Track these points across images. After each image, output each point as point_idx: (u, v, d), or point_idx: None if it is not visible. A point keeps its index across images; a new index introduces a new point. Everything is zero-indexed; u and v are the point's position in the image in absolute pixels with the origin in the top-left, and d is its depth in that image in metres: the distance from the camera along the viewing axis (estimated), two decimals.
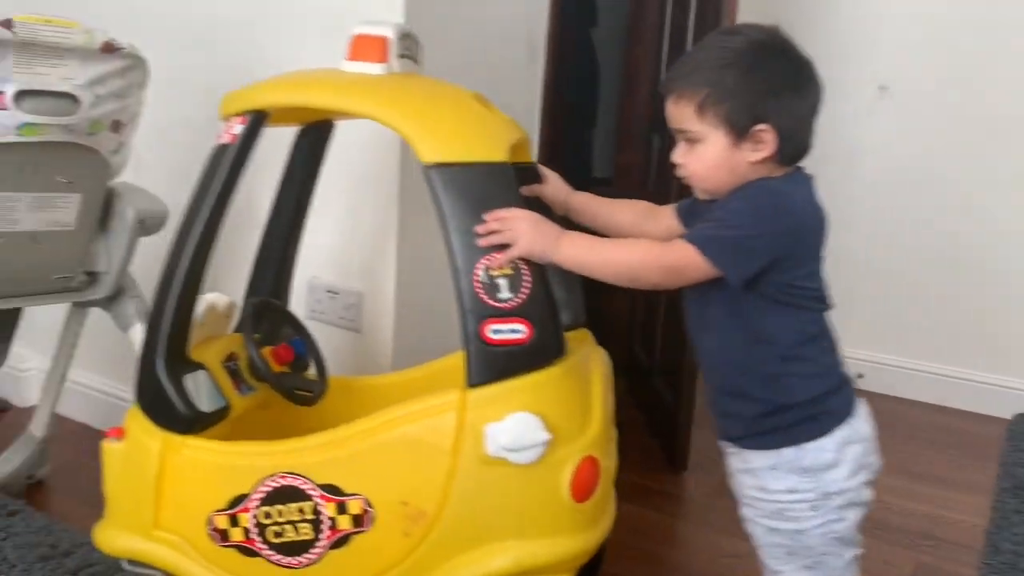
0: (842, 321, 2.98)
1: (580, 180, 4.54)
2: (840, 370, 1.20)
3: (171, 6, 1.91)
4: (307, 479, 1.15)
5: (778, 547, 1.19)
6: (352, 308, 1.72)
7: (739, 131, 1.09)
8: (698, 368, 2.14)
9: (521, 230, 1.09)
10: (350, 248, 1.70)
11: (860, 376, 2.78)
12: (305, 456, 1.16)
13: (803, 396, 1.13)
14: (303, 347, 1.45)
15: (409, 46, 1.26)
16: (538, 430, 1.08)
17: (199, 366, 1.27)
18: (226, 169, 1.21)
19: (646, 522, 1.92)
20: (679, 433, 2.14)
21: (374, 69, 1.21)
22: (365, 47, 1.22)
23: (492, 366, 1.09)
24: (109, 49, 1.43)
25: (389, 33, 1.22)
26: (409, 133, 1.13)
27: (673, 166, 1.16)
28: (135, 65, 1.49)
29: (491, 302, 1.08)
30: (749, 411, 1.16)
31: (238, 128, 1.22)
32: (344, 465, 1.15)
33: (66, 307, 1.75)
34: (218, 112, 1.27)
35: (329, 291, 1.73)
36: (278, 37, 1.77)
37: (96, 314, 1.74)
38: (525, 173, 1.28)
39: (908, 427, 2.55)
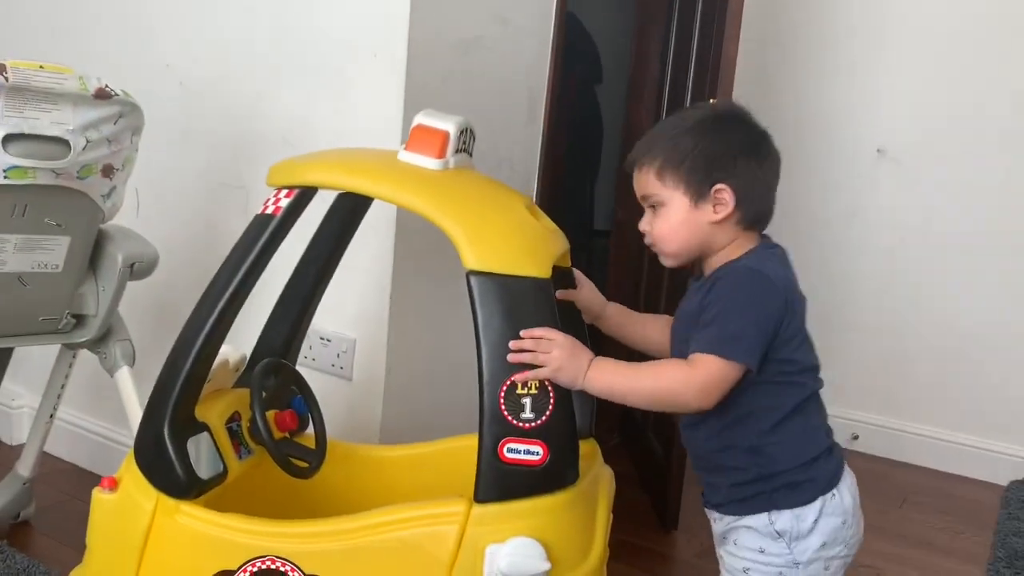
0: (837, 382, 2.96)
1: (581, 232, 4.59)
2: (826, 437, 1.19)
3: (177, 55, 1.95)
4: (296, 566, 1.12)
5: None
6: (344, 355, 1.72)
7: (698, 191, 1.14)
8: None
9: (554, 354, 1.08)
10: (344, 295, 1.71)
11: (855, 437, 2.78)
12: (297, 543, 1.14)
13: (786, 465, 1.13)
14: (304, 408, 1.43)
15: (466, 140, 1.26)
16: (539, 559, 1.06)
17: (203, 427, 1.25)
18: (264, 240, 1.19)
19: None
20: (670, 491, 2.13)
21: (431, 164, 1.20)
22: (425, 139, 1.20)
23: (502, 485, 1.07)
24: (102, 95, 1.45)
25: (450, 128, 1.20)
26: (456, 236, 1.11)
27: (642, 235, 1.21)
28: (129, 111, 1.50)
29: (512, 420, 1.07)
30: (730, 480, 1.17)
31: (284, 202, 1.20)
32: (336, 559, 1.12)
33: (57, 346, 1.76)
34: (266, 180, 1.26)
35: (322, 338, 1.74)
36: (281, 84, 1.80)
37: (88, 354, 1.74)
38: (561, 277, 1.29)
39: (901, 490, 2.53)
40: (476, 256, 1.10)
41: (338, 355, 1.73)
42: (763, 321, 1.10)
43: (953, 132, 2.62)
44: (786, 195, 3.01)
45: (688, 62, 2.32)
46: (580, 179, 4.25)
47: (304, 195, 1.21)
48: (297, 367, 1.50)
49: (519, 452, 1.07)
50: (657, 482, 2.23)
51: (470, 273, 1.09)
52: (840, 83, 2.77)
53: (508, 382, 1.07)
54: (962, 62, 2.61)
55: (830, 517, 1.14)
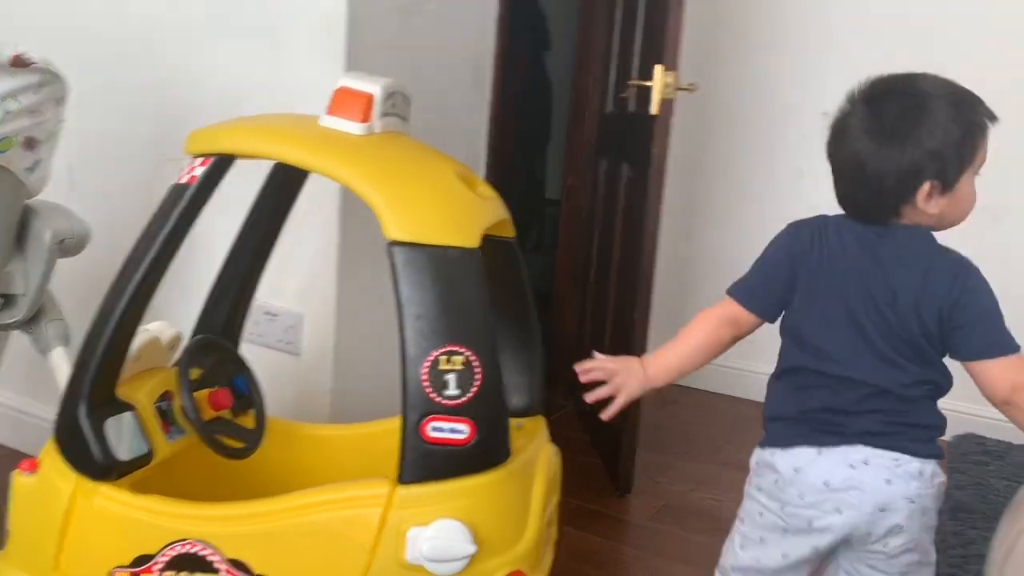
0: (775, 340, 2.99)
1: (534, 201, 4.55)
2: (795, 409, 1.21)
3: (107, 21, 1.87)
4: (216, 550, 1.09)
5: None
6: (291, 330, 1.69)
7: None
8: None
9: (622, 380, 1.22)
10: (289, 267, 1.67)
11: None
12: (218, 525, 1.11)
13: (767, 411, 1.29)
14: (246, 388, 1.39)
15: (396, 103, 1.20)
16: (464, 542, 1.03)
17: (127, 407, 1.21)
18: (180, 211, 1.15)
19: (589, 547, 1.91)
20: (622, 455, 2.14)
21: (354, 128, 1.15)
22: (348, 102, 1.15)
23: (426, 465, 1.05)
24: (20, 64, 1.38)
25: (375, 90, 1.15)
26: (376, 203, 1.07)
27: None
28: (50, 80, 1.43)
29: (436, 398, 1.04)
30: None
31: (199, 170, 1.16)
32: (257, 542, 1.09)
33: None
34: (184, 147, 1.22)
35: (267, 313, 1.70)
36: (218, 51, 1.74)
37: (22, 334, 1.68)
38: (503, 248, 1.27)
39: None
40: (398, 225, 1.06)
41: (285, 330, 1.70)
42: (763, 265, 1.27)
43: None
44: (737, 157, 3.02)
45: (634, 30, 2.31)
46: (531, 148, 4.23)
47: (220, 163, 1.17)
48: (243, 343, 1.47)
49: (443, 431, 1.04)
50: (610, 447, 2.25)
51: (391, 244, 1.06)
52: (788, 50, 2.77)
53: (431, 358, 1.04)
54: (909, 32, 2.63)
55: (763, 468, 1.23)
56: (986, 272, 1.17)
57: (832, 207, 2.75)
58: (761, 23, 2.80)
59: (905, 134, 1.10)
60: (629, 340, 2.14)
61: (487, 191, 1.25)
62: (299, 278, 1.69)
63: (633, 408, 2.13)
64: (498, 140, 2.14)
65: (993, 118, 1.13)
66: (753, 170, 2.86)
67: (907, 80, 1.15)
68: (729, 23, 2.85)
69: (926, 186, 1.11)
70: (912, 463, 1.15)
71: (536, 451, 1.25)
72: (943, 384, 1.19)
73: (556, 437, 2.53)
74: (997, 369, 1.11)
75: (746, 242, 2.86)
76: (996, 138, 1.15)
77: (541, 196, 4.34)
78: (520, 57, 4.04)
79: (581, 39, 2.75)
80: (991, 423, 2.57)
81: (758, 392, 2.76)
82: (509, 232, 1.30)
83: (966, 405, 2.60)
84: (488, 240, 1.24)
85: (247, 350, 1.51)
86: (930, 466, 1.18)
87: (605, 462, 2.29)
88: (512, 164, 4.12)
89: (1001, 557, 0.86)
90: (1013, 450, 2.46)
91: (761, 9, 2.80)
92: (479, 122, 2.06)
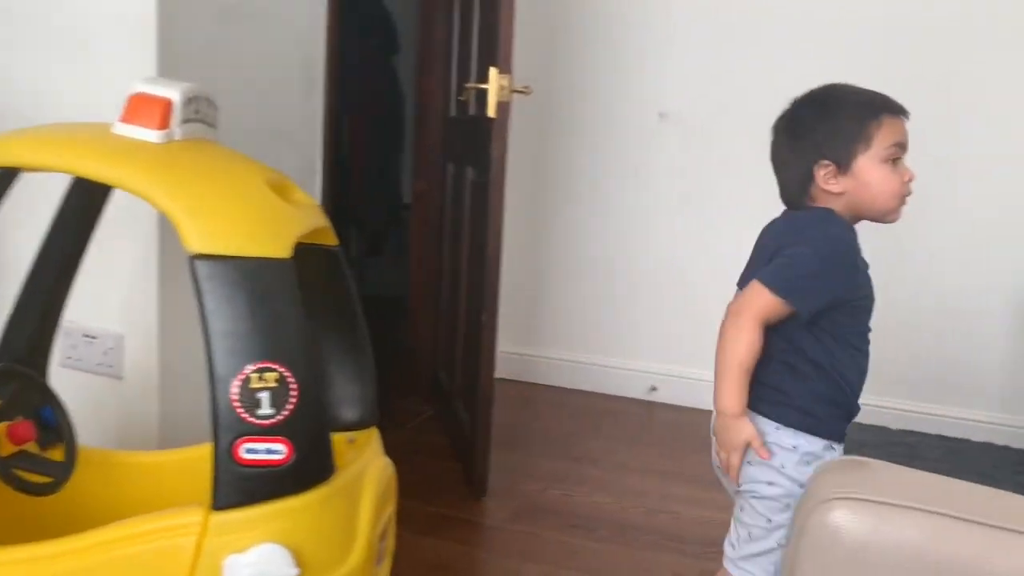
0: (633, 336, 3.07)
1: (392, 206, 4.48)
2: None
3: None
4: None
5: None
6: (112, 352, 1.59)
7: None
8: (493, 390, 2.16)
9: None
10: (107, 287, 1.58)
11: (654, 388, 2.91)
12: (20, 569, 1.02)
13: None
14: (54, 418, 1.29)
15: (200, 109, 1.14)
16: (285, 566, 0.99)
17: None
18: None
19: (445, 554, 1.90)
20: (477, 458, 2.14)
21: (151, 136, 1.08)
22: (143, 109, 1.08)
23: (242, 489, 1.00)
24: None
25: (174, 95, 1.09)
26: (174, 215, 1.00)
27: None
28: None
29: (249, 418, 0.99)
30: None
31: None
32: None
33: None
34: None
35: (85, 335, 1.60)
36: (17, 54, 1.63)
37: None
38: (326, 258, 1.23)
39: (701, 436, 2.66)
40: (199, 236, 1.01)
41: (104, 353, 1.59)
42: None
43: (730, 95, 2.76)
44: (577, 154, 3.07)
45: (471, 32, 2.31)
46: (385, 153, 4.17)
47: (5, 177, 1.10)
48: (58, 369, 1.37)
49: (258, 452, 1.00)
50: (465, 451, 2.24)
51: (193, 257, 1.00)
52: (627, 51, 2.84)
53: (242, 376, 0.99)
54: (744, 28, 2.74)
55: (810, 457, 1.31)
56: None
57: (674, 206, 2.86)
58: (600, 26, 2.86)
59: (806, 127, 1.31)
60: (478, 343, 2.13)
61: (304, 199, 1.21)
62: (118, 296, 1.59)
63: (485, 410, 2.14)
64: (333, 145, 2.09)
65: (897, 111, 1.28)
66: (595, 169, 2.91)
67: (822, 87, 1.34)
68: (569, 26, 2.89)
69: (821, 167, 1.28)
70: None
71: (366, 464, 1.21)
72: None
73: (416, 443, 2.55)
74: (747, 289, 1.30)
75: (593, 241, 2.96)
76: None
77: (399, 200, 4.29)
78: (369, 60, 3.99)
79: (422, 41, 2.74)
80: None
81: (607, 385, 2.89)
82: (331, 240, 1.26)
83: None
84: (308, 249, 1.20)
85: (64, 376, 1.41)
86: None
87: (463, 466, 2.28)
88: (367, 168, 4.07)
89: (794, 543, 0.90)
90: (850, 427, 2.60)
91: (602, 13, 2.85)
92: (312, 128, 2.01)
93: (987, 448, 2.51)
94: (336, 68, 2.08)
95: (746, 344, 1.25)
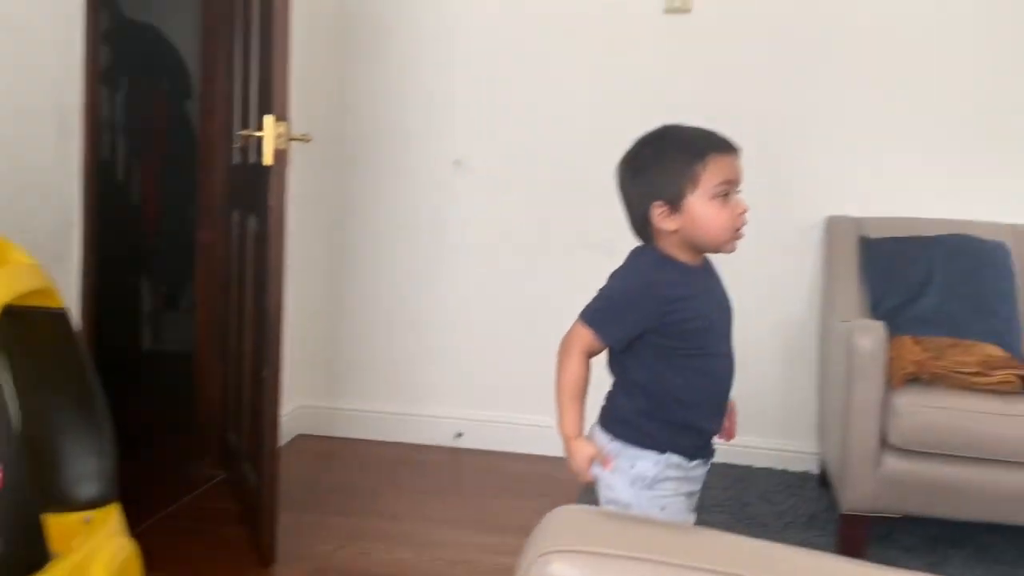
0: (438, 382, 3.04)
1: (185, 257, 4.20)
2: None
3: None
4: None
5: None
6: None
7: None
8: (278, 449, 2.07)
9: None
10: None
11: (459, 435, 2.89)
12: None
13: None
14: None
15: None
16: None
17: None
18: None
19: None
20: (263, 523, 2.02)
21: None
22: None
23: None
24: None
25: None
26: None
27: None
28: None
29: None
30: None
31: None
32: None
33: None
34: None
35: None
36: None
37: None
38: (50, 320, 1.14)
39: (506, 480, 2.67)
40: None
41: None
42: None
43: (523, 141, 2.83)
44: (372, 204, 3.04)
45: (249, 77, 2.24)
46: (178, 200, 3.97)
47: None
48: None
49: None
50: (253, 514, 2.12)
51: None
52: (420, 100, 2.85)
53: None
54: (531, 75, 2.81)
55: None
56: None
57: (472, 252, 2.87)
58: (392, 73, 2.86)
59: (642, 167, 1.38)
60: (262, 401, 2.04)
61: (20, 259, 1.11)
62: None
63: (271, 471, 2.04)
64: (95, 195, 1.96)
65: (724, 149, 1.36)
66: (392, 217, 2.90)
67: (659, 128, 1.41)
68: (363, 73, 2.88)
69: (655, 207, 1.35)
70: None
71: (96, 547, 1.11)
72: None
73: (206, 510, 2.40)
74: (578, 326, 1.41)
75: (393, 289, 2.93)
76: None
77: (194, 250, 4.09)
78: (160, 105, 3.82)
79: (204, 87, 2.64)
80: None
81: (412, 434, 2.85)
82: (54, 302, 1.16)
83: None
84: (26, 313, 1.09)
85: None
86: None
87: (250, 531, 2.15)
88: (160, 216, 3.86)
89: None
90: None
91: (394, 61, 2.86)
92: (68, 180, 1.87)
93: (768, 473, 2.66)
94: (94, 117, 1.95)
95: (571, 374, 1.38)
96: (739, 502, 2.41)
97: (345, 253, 2.94)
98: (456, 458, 2.83)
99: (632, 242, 1.45)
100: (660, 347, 1.37)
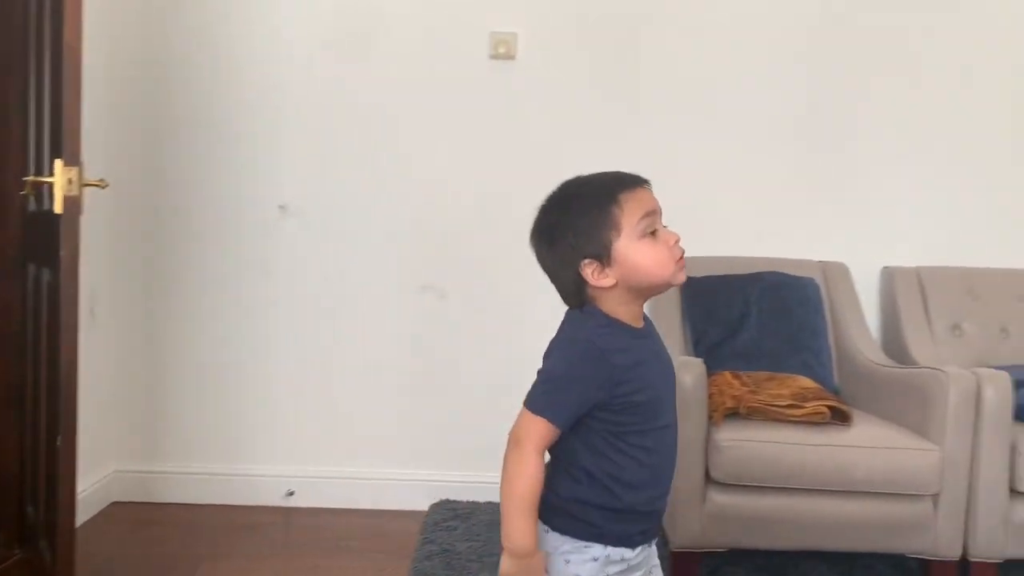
0: (267, 440, 2.90)
1: None
2: None
3: None
4: None
5: None
6: None
7: None
8: (74, 523, 1.89)
9: None
10: None
11: (291, 493, 2.75)
12: None
13: None
14: None
15: None
16: None
17: None
18: None
19: None
20: None
21: None
22: None
23: None
24: None
25: None
26: None
27: None
28: None
29: None
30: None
31: None
32: None
33: None
34: None
35: None
36: None
37: None
38: None
39: (337, 537, 2.55)
40: None
41: None
42: None
43: (348, 186, 2.76)
44: (190, 252, 2.88)
45: (42, 120, 2.08)
46: None
47: None
48: None
49: None
50: None
51: None
52: (244, 145, 2.74)
53: None
54: (355, 127, 2.76)
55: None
56: None
57: (301, 301, 2.76)
58: (215, 117, 2.74)
59: (556, 232, 1.26)
60: (56, 471, 1.86)
61: None
62: None
63: (66, 547, 1.85)
64: None
65: (633, 184, 1.27)
66: (215, 266, 2.76)
67: (557, 189, 1.30)
68: (187, 115, 2.74)
69: (586, 267, 1.25)
70: None
71: None
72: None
73: None
74: (519, 415, 1.25)
75: (215, 343, 2.77)
76: None
77: None
78: None
79: None
80: (463, 485, 2.74)
81: (241, 496, 2.69)
82: None
83: (440, 473, 2.78)
84: None
85: None
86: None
87: None
88: None
89: None
90: (479, 510, 2.63)
91: (215, 103, 2.74)
92: None
93: None
94: None
95: (527, 478, 1.20)
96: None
97: (161, 304, 2.76)
98: (288, 518, 2.69)
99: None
100: (607, 423, 1.23)
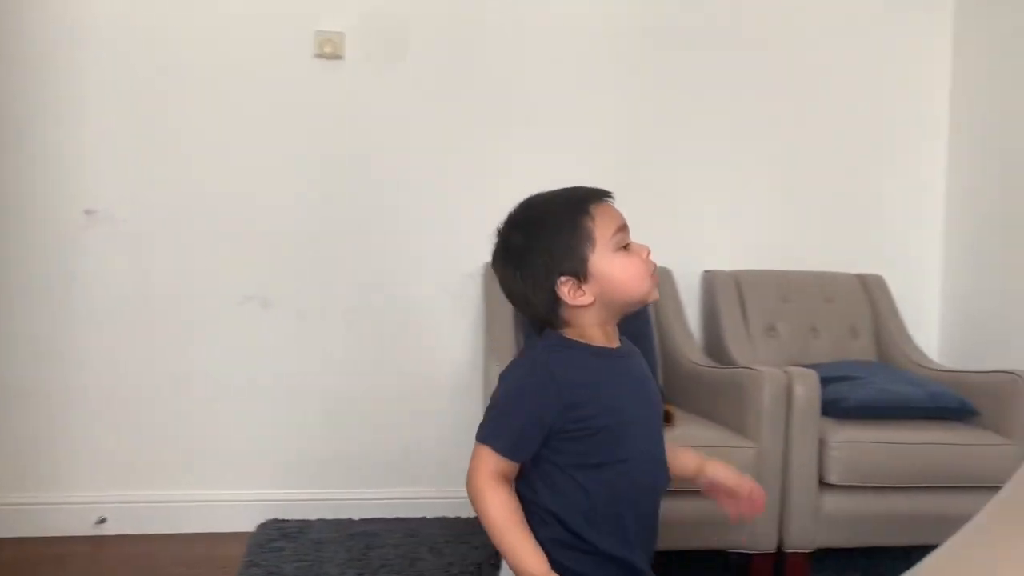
0: (72, 464, 2.66)
1: None
2: None
3: None
4: None
5: None
6: None
7: None
8: None
9: None
10: None
11: (102, 520, 2.56)
12: None
13: None
14: None
15: None
16: None
17: None
18: None
19: None
20: None
21: None
22: None
23: None
24: None
25: None
26: None
27: None
28: None
29: None
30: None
31: None
32: None
33: None
34: None
35: None
36: None
37: None
38: None
39: (155, 566, 2.39)
40: None
41: None
42: None
43: (162, 192, 2.59)
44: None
45: None
46: None
47: None
48: None
49: None
50: None
51: None
52: (43, 146, 2.52)
53: None
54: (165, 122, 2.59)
55: None
56: None
57: (108, 312, 2.57)
58: (15, 116, 2.51)
59: (525, 253, 1.21)
60: None
61: None
62: None
63: None
64: None
65: (600, 197, 1.24)
66: (9, 276, 2.52)
67: (518, 209, 1.25)
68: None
69: (562, 285, 1.20)
70: None
71: None
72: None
73: None
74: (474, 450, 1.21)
75: (16, 357, 2.53)
76: None
77: None
78: None
79: None
80: (292, 504, 2.64)
81: (44, 527, 2.47)
82: None
83: (267, 492, 2.66)
84: None
85: None
86: None
87: None
88: None
89: None
90: (310, 528, 2.53)
91: (15, 99, 2.51)
92: None
93: (442, 523, 2.63)
94: None
95: (496, 506, 1.16)
96: (408, 558, 2.34)
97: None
98: (100, 547, 2.49)
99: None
100: (565, 455, 1.18)
